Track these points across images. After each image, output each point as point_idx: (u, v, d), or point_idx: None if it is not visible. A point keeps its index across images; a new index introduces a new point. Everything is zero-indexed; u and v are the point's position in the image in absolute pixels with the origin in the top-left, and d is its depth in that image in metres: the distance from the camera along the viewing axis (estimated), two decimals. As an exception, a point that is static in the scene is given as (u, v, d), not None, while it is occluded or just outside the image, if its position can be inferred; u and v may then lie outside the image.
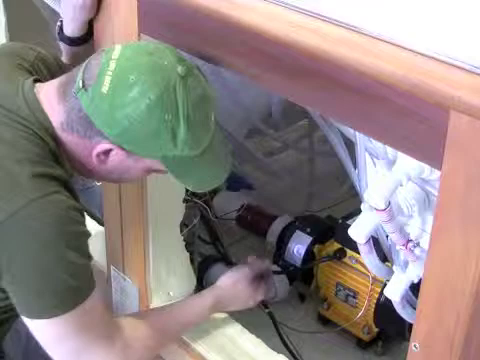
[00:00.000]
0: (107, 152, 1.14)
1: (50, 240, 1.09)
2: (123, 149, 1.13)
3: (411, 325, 1.00)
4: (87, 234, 1.17)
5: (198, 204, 1.76)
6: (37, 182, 1.10)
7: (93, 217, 1.86)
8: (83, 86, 1.10)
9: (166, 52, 1.12)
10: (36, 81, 1.21)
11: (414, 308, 1.21)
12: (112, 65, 1.09)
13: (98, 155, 1.15)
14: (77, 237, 1.13)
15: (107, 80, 1.08)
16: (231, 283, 1.47)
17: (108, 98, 1.09)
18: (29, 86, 1.18)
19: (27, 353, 1.45)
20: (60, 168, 1.15)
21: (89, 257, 1.17)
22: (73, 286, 1.12)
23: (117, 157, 1.14)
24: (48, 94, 1.17)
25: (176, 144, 1.11)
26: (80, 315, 1.14)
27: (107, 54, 1.11)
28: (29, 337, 1.20)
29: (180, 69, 1.10)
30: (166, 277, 1.55)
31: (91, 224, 1.84)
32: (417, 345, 0.96)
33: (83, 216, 1.17)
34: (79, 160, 1.18)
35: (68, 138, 1.16)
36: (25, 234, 1.09)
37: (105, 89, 1.08)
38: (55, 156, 1.15)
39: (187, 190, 1.56)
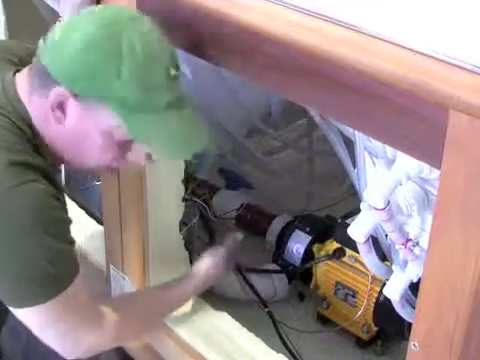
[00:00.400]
0: (62, 105, 1.11)
1: (27, 226, 1.09)
2: (74, 95, 1.10)
3: (410, 324, 1.00)
4: (67, 220, 1.16)
5: (197, 203, 1.76)
6: (13, 170, 1.09)
7: (93, 216, 1.86)
8: (43, 43, 1.13)
9: (122, 8, 1.16)
10: (18, 72, 1.21)
11: (413, 307, 1.21)
12: (67, 19, 1.14)
13: (53, 109, 1.12)
14: (55, 223, 1.12)
15: (58, 29, 1.11)
16: (212, 265, 1.48)
17: (58, 43, 1.10)
18: (9, 77, 1.19)
19: (27, 353, 1.46)
20: (40, 157, 1.14)
21: (70, 243, 1.16)
22: (53, 273, 1.12)
23: (72, 110, 1.12)
24: (22, 74, 1.18)
25: (120, 76, 1.07)
26: (64, 302, 1.14)
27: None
28: (29, 337, 1.20)
29: (131, 14, 1.13)
30: (165, 276, 1.55)
31: (90, 223, 1.85)
32: (416, 344, 0.96)
33: (63, 203, 1.16)
34: (45, 135, 1.16)
35: (33, 105, 1.15)
36: (1, 221, 1.08)
37: (57, 36, 1.11)
38: (34, 146, 1.14)
39: (186, 189, 1.56)
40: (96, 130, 1.14)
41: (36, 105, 1.15)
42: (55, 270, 1.12)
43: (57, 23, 1.14)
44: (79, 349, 1.22)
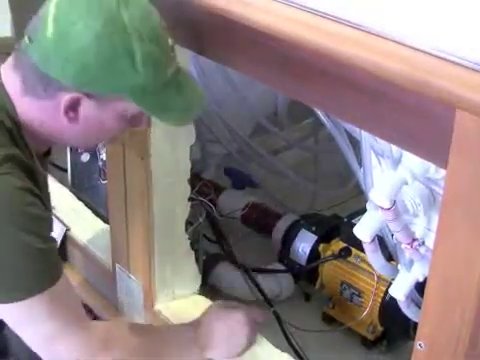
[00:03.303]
0: (74, 106, 1.09)
1: (1, 222, 1.05)
2: (88, 96, 1.08)
3: (416, 324, 0.99)
4: (43, 217, 1.11)
5: (203, 202, 1.76)
6: None
7: (99, 215, 1.86)
8: (29, 41, 1.08)
9: None
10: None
11: (419, 307, 1.21)
12: (52, 10, 1.06)
13: (66, 111, 1.09)
14: (28, 219, 1.08)
15: (50, 24, 1.05)
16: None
17: (54, 41, 1.05)
18: None
19: (34, 354, 1.45)
20: (17, 148, 1.11)
21: (46, 241, 1.11)
22: (32, 270, 1.09)
23: (86, 109, 1.10)
24: (6, 67, 1.14)
25: (136, 67, 1.05)
26: (42, 302, 1.10)
27: (46, 4, 1.08)
28: None
29: None
30: (171, 275, 1.55)
31: (97, 222, 1.85)
32: (422, 344, 0.96)
33: (39, 199, 1.11)
34: (51, 129, 1.14)
35: (32, 107, 1.11)
36: None
37: (49, 33, 1.05)
38: (12, 135, 1.11)
39: (192, 188, 1.56)
40: (111, 118, 1.12)
41: (39, 108, 1.12)
42: (35, 267, 1.09)
43: (38, 16, 1.09)
44: (55, 357, 1.17)
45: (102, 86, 1.08)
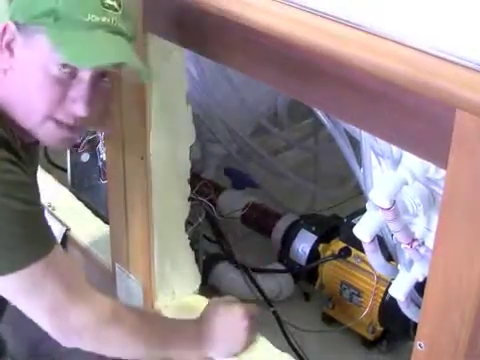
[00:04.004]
0: (10, 45, 1.10)
1: None
2: (16, 25, 1.09)
3: (416, 324, 1.00)
4: (24, 182, 1.10)
5: (203, 203, 1.77)
6: None
7: (98, 215, 1.86)
8: None
9: None
10: None
11: (419, 307, 1.21)
12: None
13: (1, 49, 1.10)
14: (10, 185, 1.06)
15: None
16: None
17: None
18: None
19: (33, 354, 1.45)
20: (3, 131, 1.10)
21: (34, 205, 1.11)
22: (21, 234, 1.07)
23: (18, 48, 1.10)
24: None
25: None
26: (45, 268, 1.09)
27: None
28: (39, 339, 1.19)
29: None
30: (171, 275, 1.55)
31: (96, 222, 1.85)
32: (422, 344, 0.96)
33: (20, 168, 1.10)
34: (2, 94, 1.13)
35: None
36: None
37: None
38: None
39: (192, 188, 1.56)
40: (35, 65, 1.10)
41: None
42: (22, 231, 1.07)
43: None
44: (68, 327, 1.15)
45: (23, 12, 1.09)
